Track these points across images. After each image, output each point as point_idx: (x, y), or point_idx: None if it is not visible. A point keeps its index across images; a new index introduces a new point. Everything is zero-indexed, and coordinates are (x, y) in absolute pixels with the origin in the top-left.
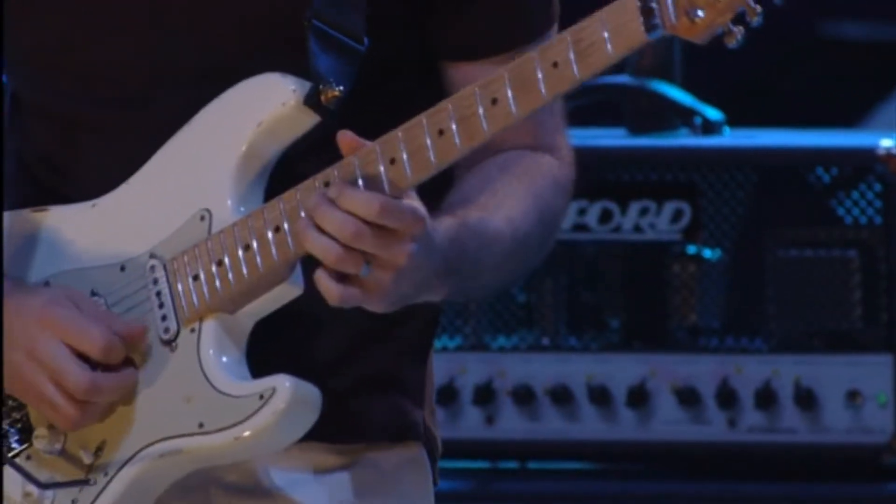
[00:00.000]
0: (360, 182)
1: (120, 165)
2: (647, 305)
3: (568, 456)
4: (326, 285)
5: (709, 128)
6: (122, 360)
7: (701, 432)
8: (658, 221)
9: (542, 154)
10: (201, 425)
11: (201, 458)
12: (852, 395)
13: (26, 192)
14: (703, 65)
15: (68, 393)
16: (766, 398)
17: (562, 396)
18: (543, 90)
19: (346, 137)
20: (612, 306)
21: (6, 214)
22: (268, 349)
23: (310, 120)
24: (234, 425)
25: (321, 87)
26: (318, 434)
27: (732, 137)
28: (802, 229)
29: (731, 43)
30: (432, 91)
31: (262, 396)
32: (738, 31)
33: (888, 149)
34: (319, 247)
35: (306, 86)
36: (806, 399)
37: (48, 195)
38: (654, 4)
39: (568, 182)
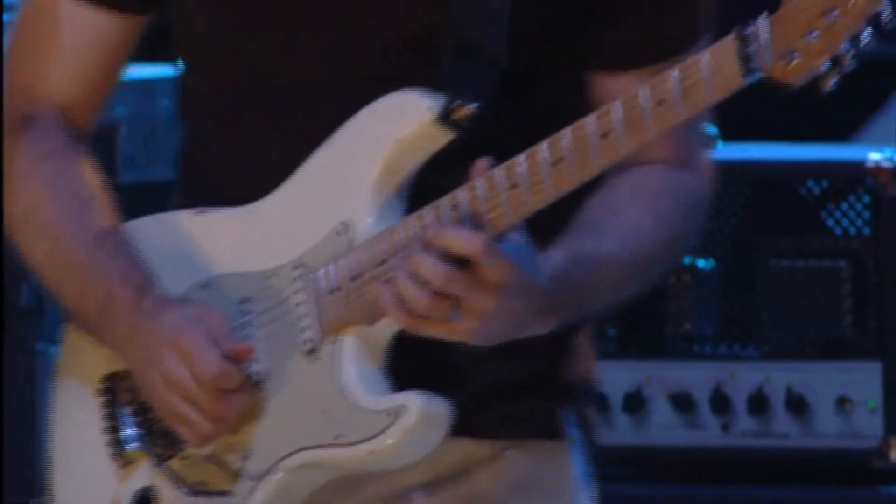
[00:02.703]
0: (485, 206)
1: (266, 166)
2: (643, 314)
3: None
4: (401, 318)
5: None
6: (236, 382)
7: (695, 437)
8: None
9: (676, 170)
10: (337, 437)
11: (339, 468)
12: (842, 401)
13: (188, 179)
14: None
15: (202, 410)
16: (758, 404)
17: None
18: (649, 127)
19: (480, 163)
20: (609, 315)
21: (171, 214)
22: (412, 352)
23: (446, 136)
24: (368, 439)
25: (453, 104)
26: (464, 428)
27: (726, 151)
28: (794, 240)
29: (825, 86)
30: (569, 105)
31: (392, 413)
32: (832, 75)
33: (877, 162)
34: (408, 293)
35: (440, 103)
36: (797, 405)
37: (206, 186)
38: (751, 49)
39: (701, 198)
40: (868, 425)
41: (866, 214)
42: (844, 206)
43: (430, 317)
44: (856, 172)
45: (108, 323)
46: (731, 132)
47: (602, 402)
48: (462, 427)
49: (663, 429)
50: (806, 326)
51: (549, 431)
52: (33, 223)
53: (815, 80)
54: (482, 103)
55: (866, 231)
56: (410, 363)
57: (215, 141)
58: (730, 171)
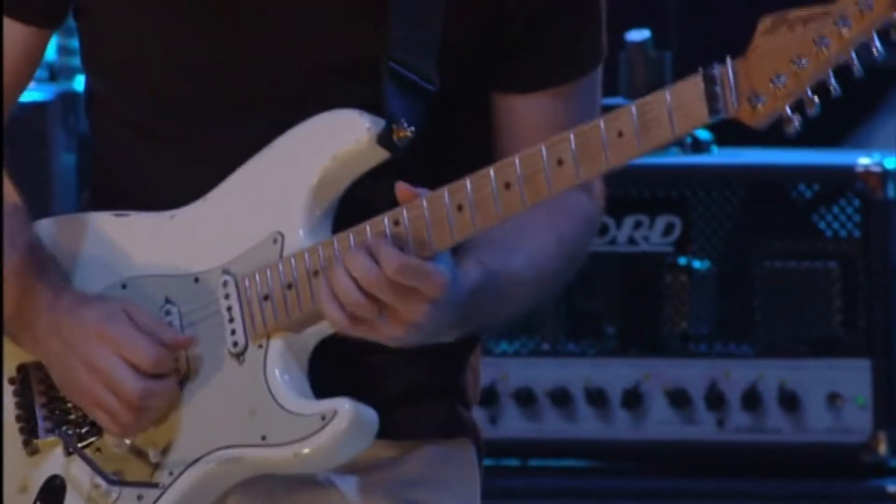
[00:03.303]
0: (428, 223)
1: (194, 179)
2: (641, 313)
3: (566, 454)
4: (337, 319)
5: (698, 146)
6: (172, 369)
7: (691, 432)
8: (651, 234)
9: (575, 191)
10: (263, 437)
11: (261, 467)
12: (833, 398)
13: (104, 192)
14: None
15: (124, 400)
16: (752, 400)
17: (561, 398)
18: (607, 157)
19: (402, 188)
20: (609, 314)
21: (90, 214)
22: (328, 358)
23: (381, 155)
24: (295, 442)
25: (394, 126)
26: (377, 431)
27: (720, 156)
28: (786, 242)
29: (789, 129)
30: (485, 126)
31: (323, 417)
32: (796, 118)
33: (866, 166)
34: (340, 287)
35: (380, 124)
36: (789, 401)
37: (125, 198)
38: (717, 89)
39: (596, 217)
40: (857, 421)
41: (856, 217)
42: (835, 209)
43: (358, 314)
44: (846, 177)
45: (25, 319)
46: (727, 138)
47: (602, 398)
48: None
49: (660, 424)
50: (798, 326)
51: (449, 431)
52: None
53: (779, 122)
54: (419, 126)
55: (856, 233)
56: (325, 369)
57: (133, 152)
58: (725, 176)
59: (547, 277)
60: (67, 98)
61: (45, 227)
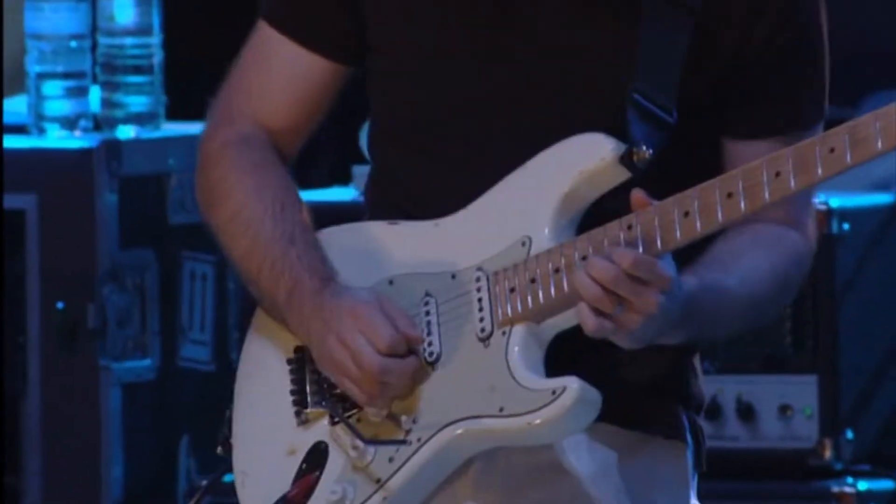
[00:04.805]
0: (656, 227)
1: (453, 190)
2: None
3: None
4: (584, 316)
5: None
6: (407, 352)
7: None
8: None
9: (788, 228)
10: (501, 409)
11: (497, 437)
12: (784, 409)
13: (379, 207)
14: None
15: (366, 371)
16: (713, 411)
17: None
18: (819, 171)
19: (637, 195)
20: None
21: (368, 223)
22: (567, 352)
23: (622, 174)
24: (529, 413)
25: (634, 149)
26: (602, 415)
27: None
28: None
29: None
30: (717, 163)
31: (554, 392)
32: None
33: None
34: (583, 285)
35: (622, 146)
36: (746, 412)
37: (397, 211)
38: None
39: (808, 256)
40: (805, 429)
41: None
42: None
43: (601, 308)
44: None
45: (294, 305)
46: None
47: None
48: (604, 413)
49: None
50: (753, 346)
51: (672, 431)
52: (238, 222)
53: None
54: (656, 151)
55: None
56: (564, 361)
57: (403, 170)
58: None
59: (758, 300)
60: (110, 145)
61: (327, 234)
